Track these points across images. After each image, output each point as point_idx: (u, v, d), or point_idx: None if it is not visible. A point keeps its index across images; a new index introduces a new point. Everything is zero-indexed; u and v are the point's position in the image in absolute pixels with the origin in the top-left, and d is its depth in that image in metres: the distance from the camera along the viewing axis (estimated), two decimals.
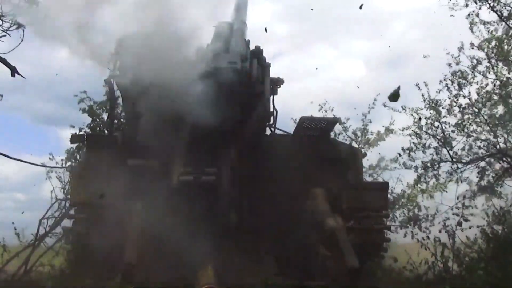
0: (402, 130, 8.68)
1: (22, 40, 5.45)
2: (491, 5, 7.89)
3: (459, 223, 6.97)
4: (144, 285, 4.15)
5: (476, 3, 8.03)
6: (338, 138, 8.46)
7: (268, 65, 5.55)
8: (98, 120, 7.28)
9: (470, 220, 7.12)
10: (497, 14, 7.91)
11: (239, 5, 7.27)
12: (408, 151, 8.58)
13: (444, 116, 8.46)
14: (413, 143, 8.60)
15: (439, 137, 8.47)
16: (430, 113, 8.52)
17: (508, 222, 6.95)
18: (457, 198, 8.15)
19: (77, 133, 6.93)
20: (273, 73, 5.73)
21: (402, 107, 8.64)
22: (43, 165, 7.08)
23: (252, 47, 6.00)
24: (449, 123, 8.44)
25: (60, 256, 6.30)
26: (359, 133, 9.00)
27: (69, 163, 6.97)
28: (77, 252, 5.15)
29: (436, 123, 8.49)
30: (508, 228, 6.76)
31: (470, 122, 8.36)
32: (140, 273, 4.16)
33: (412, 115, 8.61)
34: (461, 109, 8.36)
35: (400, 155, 8.67)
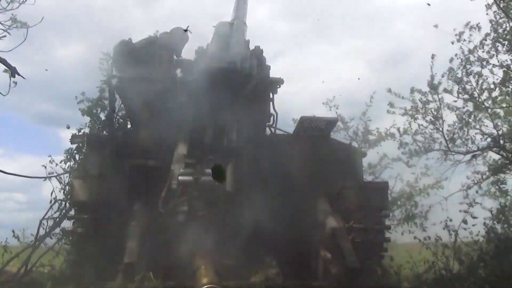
0: (402, 115, 8.58)
1: (25, 39, 5.40)
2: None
3: (464, 221, 6.94)
4: (144, 284, 4.15)
5: None
6: (339, 133, 8.43)
7: (268, 67, 5.57)
8: (96, 120, 7.27)
9: (477, 217, 7.06)
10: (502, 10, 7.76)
11: (239, 5, 7.29)
12: (402, 133, 8.49)
13: (440, 95, 8.28)
14: (409, 123, 8.51)
15: (432, 119, 8.32)
16: (431, 93, 8.34)
17: (508, 221, 6.94)
18: (465, 191, 8.06)
19: (77, 134, 6.92)
20: (274, 72, 5.75)
21: (411, 89, 8.49)
22: (40, 177, 7.05)
23: (252, 47, 6.02)
24: (447, 104, 8.29)
25: (60, 257, 6.30)
26: (359, 133, 8.94)
27: (68, 163, 6.95)
28: (77, 252, 5.15)
29: (432, 104, 8.36)
30: (508, 227, 6.75)
31: (471, 112, 8.21)
32: (140, 273, 4.16)
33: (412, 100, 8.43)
34: (465, 94, 8.15)
35: (394, 137, 8.59)
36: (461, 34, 7.94)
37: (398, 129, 8.52)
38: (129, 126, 6.83)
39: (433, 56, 8.21)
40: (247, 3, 7.52)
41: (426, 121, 8.33)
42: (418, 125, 8.37)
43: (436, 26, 8.16)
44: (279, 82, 5.53)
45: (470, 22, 7.94)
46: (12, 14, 5.49)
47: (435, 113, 8.25)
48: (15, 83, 5.04)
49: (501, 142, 7.98)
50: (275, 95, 5.67)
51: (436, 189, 8.34)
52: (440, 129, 8.28)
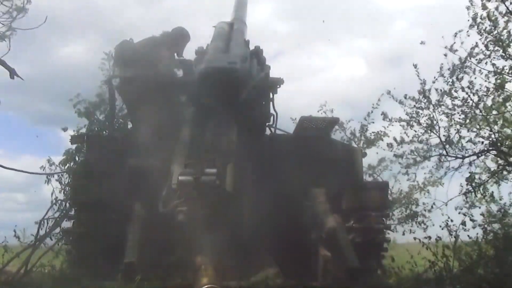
0: (399, 122, 8.53)
1: (9, 49, 5.45)
2: None
3: (463, 223, 6.96)
4: (144, 285, 4.15)
5: None
6: (334, 135, 8.42)
7: (268, 67, 5.56)
8: (94, 121, 7.29)
9: (476, 220, 7.08)
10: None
11: (239, 5, 7.30)
12: (399, 142, 8.45)
13: (437, 104, 8.22)
14: (405, 132, 8.47)
15: (427, 125, 8.29)
16: (424, 102, 8.30)
17: (507, 221, 6.95)
18: (460, 193, 8.08)
19: (76, 134, 6.94)
20: (274, 72, 5.74)
21: (404, 96, 8.45)
22: (39, 173, 7.06)
23: (252, 47, 6.02)
24: (443, 111, 8.25)
25: (60, 257, 6.31)
26: (357, 133, 8.91)
27: (67, 164, 6.96)
28: (77, 252, 5.16)
29: (427, 111, 8.31)
30: (507, 227, 6.76)
31: (466, 115, 8.17)
32: (140, 273, 4.16)
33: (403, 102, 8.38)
34: (456, 100, 8.11)
35: (391, 145, 8.54)
36: (452, 46, 7.90)
37: (395, 139, 8.49)
38: (129, 126, 6.85)
39: (415, 66, 8.12)
40: (247, 3, 7.54)
41: (421, 126, 8.30)
42: (415, 131, 8.34)
43: (423, 43, 8.22)
44: (279, 82, 5.53)
45: (459, 32, 7.89)
46: (12, 17, 5.51)
47: (431, 119, 8.20)
48: None
49: (498, 145, 7.96)
50: (275, 95, 5.67)
51: (437, 187, 8.35)
52: (437, 134, 8.26)
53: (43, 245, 6.70)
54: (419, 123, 8.21)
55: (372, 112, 8.83)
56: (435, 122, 8.11)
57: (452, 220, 6.88)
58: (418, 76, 8.07)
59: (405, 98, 8.28)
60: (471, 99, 7.89)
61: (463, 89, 7.89)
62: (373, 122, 8.87)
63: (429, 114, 8.15)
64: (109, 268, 4.42)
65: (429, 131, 8.20)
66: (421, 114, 8.19)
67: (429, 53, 8.79)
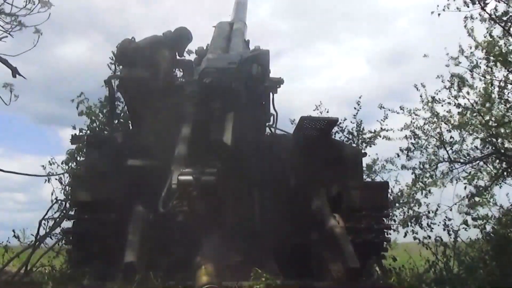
0: (401, 130, 8.63)
1: (35, 45, 5.45)
2: (482, 6, 7.67)
3: (464, 222, 6.98)
4: (144, 285, 4.15)
5: (468, 7, 7.62)
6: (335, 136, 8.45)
7: (267, 51, 5.50)
8: (97, 120, 7.30)
9: (476, 218, 7.12)
10: (489, 15, 7.78)
11: (239, 5, 7.30)
12: (406, 151, 8.54)
13: (442, 116, 8.40)
14: (411, 143, 8.57)
15: (436, 138, 8.44)
16: (431, 114, 8.46)
17: (508, 222, 6.97)
18: (465, 197, 8.17)
19: (77, 134, 6.95)
20: (274, 72, 5.73)
21: (400, 107, 8.64)
22: (40, 175, 7.07)
23: (252, 47, 6.01)
24: (447, 119, 8.36)
25: (60, 257, 6.32)
26: (355, 133, 8.89)
27: (70, 164, 6.97)
28: (77, 252, 5.16)
29: (433, 124, 8.45)
30: (508, 228, 6.79)
31: (468, 121, 8.29)
32: (140, 273, 4.16)
33: (410, 115, 8.57)
34: (460, 108, 8.29)
35: (398, 155, 8.63)
36: (458, 62, 8.06)
37: (401, 149, 8.60)
38: (129, 126, 6.85)
39: (424, 85, 8.37)
40: (247, 3, 7.54)
41: (427, 135, 8.42)
42: (421, 146, 8.47)
43: (426, 56, 8.39)
44: (279, 82, 5.52)
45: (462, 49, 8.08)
46: (17, 16, 5.51)
47: (440, 134, 8.34)
48: (16, 96, 5.16)
49: (500, 145, 8.04)
50: (275, 95, 5.66)
51: (439, 187, 8.42)
52: (445, 145, 8.38)
53: (43, 245, 6.71)
54: (426, 135, 8.39)
55: (356, 114, 8.84)
56: (443, 137, 8.28)
57: (450, 219, 6.92)
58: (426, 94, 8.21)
59: (401, 109, 8.49)
60: (473, 106, 8.04)
61: (468, 93, 8.04)
62: (362, 121, 8.91)
63: (437, 126, 8.32)
64: (109, 268, 4.42)
65: (438, 145, 8.35)
66: (428, 128, 8.36)
67: (430, 51, 8.90)
